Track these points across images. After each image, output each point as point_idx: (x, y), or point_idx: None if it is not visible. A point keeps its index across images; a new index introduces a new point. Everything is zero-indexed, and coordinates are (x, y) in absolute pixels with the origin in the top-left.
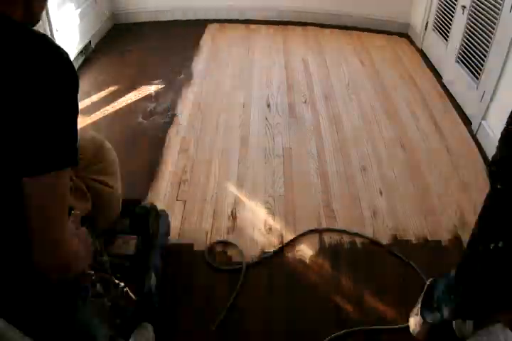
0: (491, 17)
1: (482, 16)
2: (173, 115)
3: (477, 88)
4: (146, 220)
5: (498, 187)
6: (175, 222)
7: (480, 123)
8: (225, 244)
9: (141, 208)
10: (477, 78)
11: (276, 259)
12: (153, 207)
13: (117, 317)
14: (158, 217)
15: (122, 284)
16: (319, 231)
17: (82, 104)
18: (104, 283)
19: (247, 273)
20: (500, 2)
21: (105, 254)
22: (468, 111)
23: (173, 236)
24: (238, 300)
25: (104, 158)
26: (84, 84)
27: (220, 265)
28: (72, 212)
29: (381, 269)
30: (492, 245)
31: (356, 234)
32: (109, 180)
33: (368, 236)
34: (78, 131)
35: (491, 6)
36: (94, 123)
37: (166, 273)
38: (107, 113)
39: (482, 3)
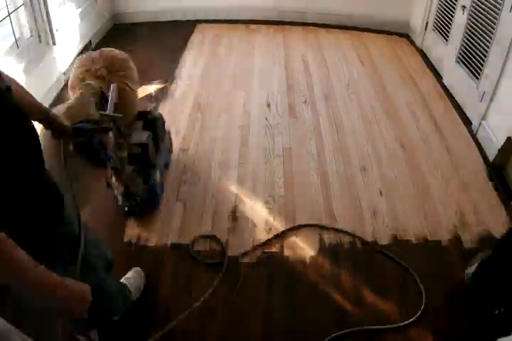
0: (491, 17)
1: (482, 16)
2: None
3: (477, 88)
4: (155, 123)
5: None
6: (175, 222)
7: (480, 123)
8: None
9: (151, 115)
10: (477, 78)
11: (277, 259)
12: (161, 116)
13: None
14: (164, 124)
15: (135, 173)
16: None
17: None
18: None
19: (230, 266)
20: (500, 2)
21: (124, 151)
22: (468, 111)
23: (174, 237)
24: (238, 301)
25: (131, 67)
26: None
27: (204, 258)
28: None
29: (381, 269)
30: None
31: (345, 232)
32: (133, 86)
33: (354, 233)
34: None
35: (491, 6)
36: None
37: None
38: None
39: (482, 3)
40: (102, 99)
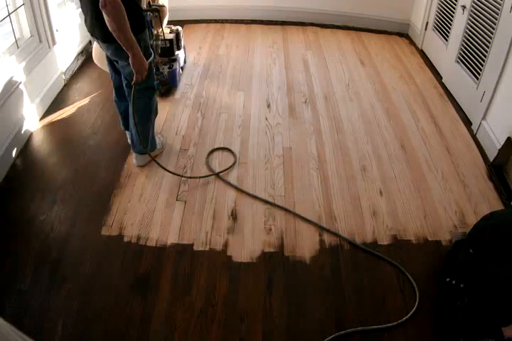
0: (491, 17)
1: (482, 16)
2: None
3: (477, 88)
4: (178, 32)
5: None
6: (175, 222)
7: (480, 123)
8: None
9: (176, 28)
10: (477, 78)
11: (277, 259)
12: (182, 30)
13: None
14: (183, 36)
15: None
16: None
17: (81, 103)
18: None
19: None
20: (500, 2)
21: (159, 40)
22: (468, 111)
23: (174, 237)
24: (238, 300)
25: None
26: (84, 84)
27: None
28: None
29: (381, 269)
30: None
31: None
32: (164, 2)
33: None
34: None
35: (490, 6)
36: (95, 123)
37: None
38: (105, 113)
39: (482, 3)
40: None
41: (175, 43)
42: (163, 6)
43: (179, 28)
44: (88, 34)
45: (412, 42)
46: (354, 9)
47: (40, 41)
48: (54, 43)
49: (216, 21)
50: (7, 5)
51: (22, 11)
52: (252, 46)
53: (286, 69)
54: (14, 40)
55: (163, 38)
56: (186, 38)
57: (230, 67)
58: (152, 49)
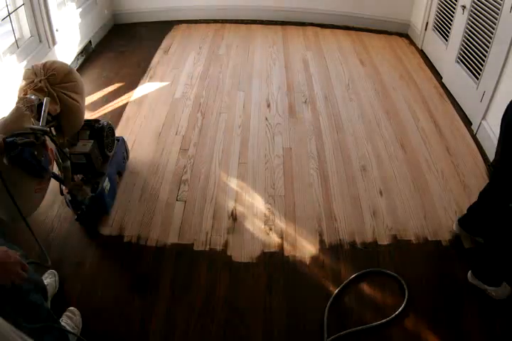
0: (491, 17)
1: (482, 16)
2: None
3: (477, 88)
4: (101, 133)
5: None
6: (175, 222)
7: (480, 123)
8: None
9: (99, 124)
10: (477, 78)
11: (277, 259)
12: (109, 125)
13: (76, 209)
14: (113, 133)
15: (79, 179)
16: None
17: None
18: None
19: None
20: (500, 2)
21: (67, 161)
22: (468, 111)
23: (174, 237)
24: (238, 300)
25: (74, 79)
26: (85, 84)
27: None
28: None
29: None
30: None
31: None
32: (76, 97)
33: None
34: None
35: (491, 6)
36: None
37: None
38: (106, 112)
39: (482, 3)
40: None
41: (97, 154)
42: (45, 129)
43: (105, 122)
44: (88, 34)
45: (412, 43)
46: (354, 9)
47: (40, 41)
48: (54, 43)
49: (216, 21)
50: (7, 5)
51: (22, 10)
52: (252, 46)
53: (286, 69)
54: (14, 40)
55: (68, 155)
56: (186, 38)
57: (230, 67)
58: (56, 176)
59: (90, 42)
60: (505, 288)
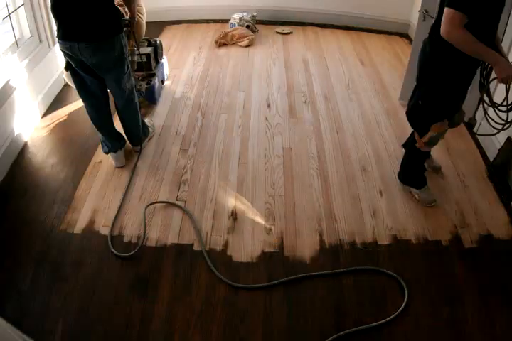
0: None
1: None
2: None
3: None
4: (156, 44)
5: None
6: (175, 222)
7: (480, 123)
8: None
9: (154, 39)
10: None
11: (277, 259)
12: (160, 42)
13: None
14: (162, 48)
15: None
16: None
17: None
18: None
19: None
20: None
21: (135, 56)
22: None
23: (174, 237)
24: (238, 300)
25: (141, 4)
26: None
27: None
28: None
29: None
30: None
31: None
32: (141, 15)
33: None
34: None
35: None
36: None
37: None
38: None
39: None
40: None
41: (153, 57)
42: (133, 18)
43: (158, 40)
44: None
45: (412, 43)
46: (354, 9)
47: (40, 41)
48: (54, 43)
49: (216, 21)
50: (7, 5)
51: (22, 10)
52: (252, 46)
53: (286, 69)
54: (14, 39)
55: (138, 52)
56: (186, 38)
57: (230, 67)
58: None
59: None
60: (428, 191)
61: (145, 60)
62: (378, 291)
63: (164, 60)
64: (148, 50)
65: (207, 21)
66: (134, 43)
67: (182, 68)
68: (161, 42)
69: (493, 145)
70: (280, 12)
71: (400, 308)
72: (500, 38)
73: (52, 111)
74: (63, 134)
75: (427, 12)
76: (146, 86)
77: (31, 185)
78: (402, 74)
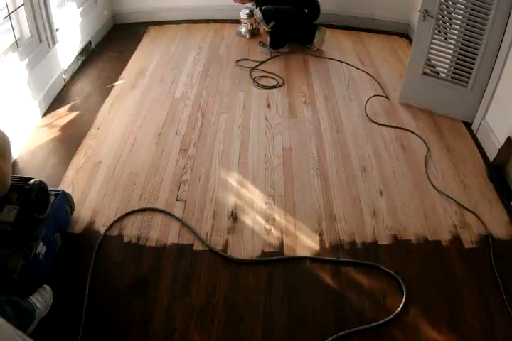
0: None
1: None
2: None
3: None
4: (29, 194)
5: None
6: (175, 222)
7: (480, 123)
8: None
9: (28, 184)
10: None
11: (277, 259)
12: (40, 184)
13: (7, 279)
14: (47, 192)
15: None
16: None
17: (81, 102)
18: None
19: None
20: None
21: None
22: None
23: (174, 237)
24: (238, 300)
25: None
26: (85, 84)
27: None
28: None
29: (380, 269)
30: None
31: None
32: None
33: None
34: None
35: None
36: (96, 123)
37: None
38: (106, 111)
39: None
40: None
41: (21, 223)
42: None
43: (35, 182)
44: (88, 34)
45: (411, 43)
46: (354, 9)
47: (40, 41)
48: (54, 43)
49: (216, 21)
50: (7, 5)
51: (22, 10)
52: (253, 46)
53: (286, 69)
54: (14, 39)
55: None
56: (186, 38)
57: (230, 66)
58: None
59: (90, 42)
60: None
61: (9, 229)
62: (378, 291)
63: (61, 194)
64: (12, 214)
65: (207, 21)
66: None
67: (182, 68)
68: (41, 186)
69: (493, 145)
70: None
71: (399, 308)
72: None
73: (52, 110)
74: (63, 135)
75: (426, 12)
76: (22, 262)
77: None
78: (402, 74)
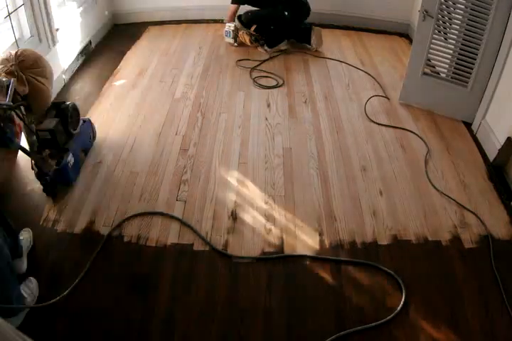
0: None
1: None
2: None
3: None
4: (65, 111)
5: None
6: (175, 222)
7: (480, 123)
8: None
9: (64, 104)
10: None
11: (277, 259)
12: (74, 106)
13: (41, 180)
14: (78, 113)
15: (45, 153)
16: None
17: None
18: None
19: None
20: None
21: (33, 135)
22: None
23: (174, 237)
24: (238, 300)
25: (42, 65)
26: (84, 84)
27: None
28: None
29: (380, 269)
30: None
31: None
32: (43, 81)
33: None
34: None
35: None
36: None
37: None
38: (105, 111)
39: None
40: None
41: (60, 131)
42: (8, 104)
43: (70, 104)
44: (88, 33)
45: (411, 42)
46: (354, 9)
47: (40, 41)
48: (54, 43)
49: (216, 21)
50: (7, 5)
51: (22, 10)
52: (252, 45)
53: (286, 69)
54: (14, 40)
55: (34, 131)
56: (186, 38)
57: (230, 66)
58: (25, 151)
59: (90, 42)
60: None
61: (49, 136)
62: (378, 291)
63: (88, 121)
64: (53, 123)
65: (207, 21)
66: (29, 120)
67: (182, 68)
68: (74, 107)
69: (493, 145)
70: None
71: (399, 307)
72: None
73: None
74: None
75: (426, 12)
76: (55, 167)
77: (31, 185)
78: (402, 74)
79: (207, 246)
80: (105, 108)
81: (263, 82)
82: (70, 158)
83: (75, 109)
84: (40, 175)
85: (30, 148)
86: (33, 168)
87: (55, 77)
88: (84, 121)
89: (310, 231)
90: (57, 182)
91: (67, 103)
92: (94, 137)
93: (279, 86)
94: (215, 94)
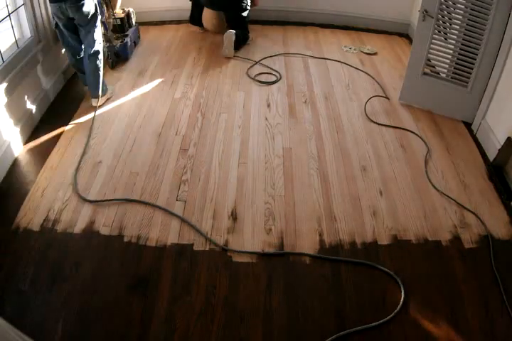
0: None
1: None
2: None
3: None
4: (129, 12)
5: None
6: (175, 222)
7: (480, 123)
8: None
9: (128, 10)
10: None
11: (277, 259)
12: (133, 11)
13: (111, 51)
14: (134, 16)
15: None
16: None
17: (81, 102)
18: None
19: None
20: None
21: (110, 18)
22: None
23: (174, 237)
24: (238, 300)
25: None
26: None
27: None
28: None
29: (380, 269)
30: None
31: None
32: None
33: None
34: None
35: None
36: (95, 123)
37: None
38: (105, 111)
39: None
40: None
41: (126, 21)
42: None
43: (130, 9)
44: None
45: (411, 42)
46: (354, 9)
47: (40, 41)
48: (54, 43)
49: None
50: (7, 5)
51: (22, 10)
52: (253, 46)
53: (286, 69)
54: (14, 39)
55: (114, 16)
56: (186, 39)
57: (230, 66)
58: (105, 25)
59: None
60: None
61: (119, 23)
62: (378, 291)
63: (135, 27)
64: (122, 15)
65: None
66: (110, 9)
67: (182, 68)
68: (133, 11)
69: (493, 145)
70: (280, 12)
71: (398, 307)
72: None
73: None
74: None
75: (426, 12)
76: (120, 43)
77: (31, 186)
78: (402, 74)
79: (207, 246)
80: (105, 108)
81: (263, 78)
82: (129, 40)
83: (133, 12)
84: (110, 47)
85: (107, 26)
86: (107, 41)
87: (54, 77)
88: (135, 24)
89: (310, 231)
90: (120, 54)
91: (130, 8)
92: (139, 37)
93: (279, 80)
94: (215, 94)
